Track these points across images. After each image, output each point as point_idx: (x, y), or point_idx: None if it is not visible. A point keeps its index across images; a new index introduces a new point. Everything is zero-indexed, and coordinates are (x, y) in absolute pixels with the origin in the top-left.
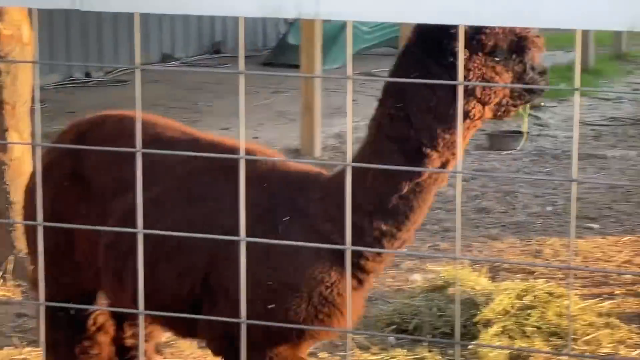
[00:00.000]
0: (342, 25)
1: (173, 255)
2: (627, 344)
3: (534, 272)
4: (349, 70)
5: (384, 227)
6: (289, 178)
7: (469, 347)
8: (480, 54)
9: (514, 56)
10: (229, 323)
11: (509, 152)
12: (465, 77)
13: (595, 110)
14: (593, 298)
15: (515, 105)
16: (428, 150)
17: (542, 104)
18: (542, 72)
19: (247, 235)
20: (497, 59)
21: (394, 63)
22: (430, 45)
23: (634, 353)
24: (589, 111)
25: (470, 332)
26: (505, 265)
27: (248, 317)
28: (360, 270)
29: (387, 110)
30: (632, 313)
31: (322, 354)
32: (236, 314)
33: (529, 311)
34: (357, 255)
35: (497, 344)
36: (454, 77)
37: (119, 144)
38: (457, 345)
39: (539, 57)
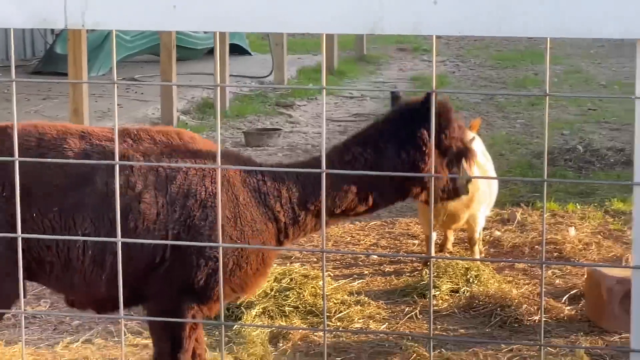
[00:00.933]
0: (106, 35)
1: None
2: (376, 318)
3: (291, 256)
4: (114, 75)
5: (309, 224)
6: (243, 158)
7: (234, 327)
8: (437, 150)
9: (455, 161)
10: (188, 276)
11: (265, 147)
12: (424, 167)
13: (341, 108)
14: (344, 278)
15: (443, 199)
16: (371, 201)
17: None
18: (469, 181)
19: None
20: (445, 158)
21: (386, 118)
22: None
23: (383, 326)
24: (335, 108)
25: (234, 314)
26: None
27: (224, 273)
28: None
29: (360, 152)
30: (379, 290)
31: (97, 340)
32: (209, 268)
33: (287, 293)
34: (285, 234)
35: (259, 323)
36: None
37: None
38: (222, 326)
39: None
